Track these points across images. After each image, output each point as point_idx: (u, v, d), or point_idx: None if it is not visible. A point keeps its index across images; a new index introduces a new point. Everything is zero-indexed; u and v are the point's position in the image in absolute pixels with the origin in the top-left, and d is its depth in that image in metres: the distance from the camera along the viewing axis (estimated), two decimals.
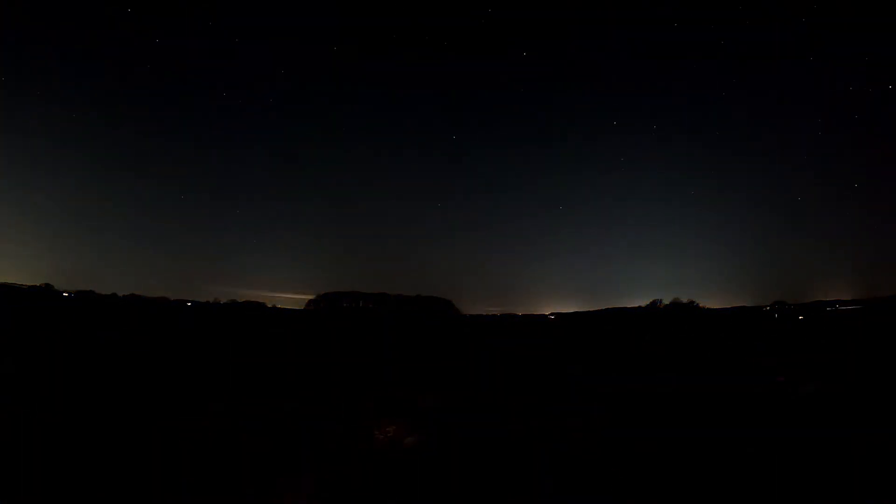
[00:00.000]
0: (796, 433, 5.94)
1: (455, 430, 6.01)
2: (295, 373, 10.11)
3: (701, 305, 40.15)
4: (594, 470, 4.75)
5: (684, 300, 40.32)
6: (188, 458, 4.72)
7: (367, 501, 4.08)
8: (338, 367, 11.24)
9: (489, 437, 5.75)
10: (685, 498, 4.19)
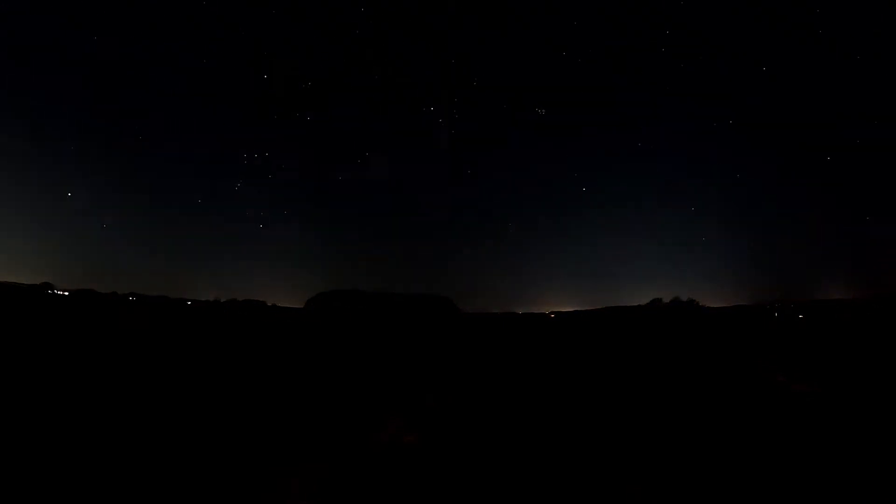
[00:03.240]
0: (796, 434, 5.95)
1: (455, 430, 6.01)
2: (295, 372, 10.11)
3: (701, 304, 40.00)
4: (593, 470, 4.75)
5: (684, 299, 40.13)
6: (188, 458, 4.72)
7: (367, 501, 4.08)
8: (338, 367, 11.24)
9: (489, 437, 5.75)
10: (685, 499, 4.19)
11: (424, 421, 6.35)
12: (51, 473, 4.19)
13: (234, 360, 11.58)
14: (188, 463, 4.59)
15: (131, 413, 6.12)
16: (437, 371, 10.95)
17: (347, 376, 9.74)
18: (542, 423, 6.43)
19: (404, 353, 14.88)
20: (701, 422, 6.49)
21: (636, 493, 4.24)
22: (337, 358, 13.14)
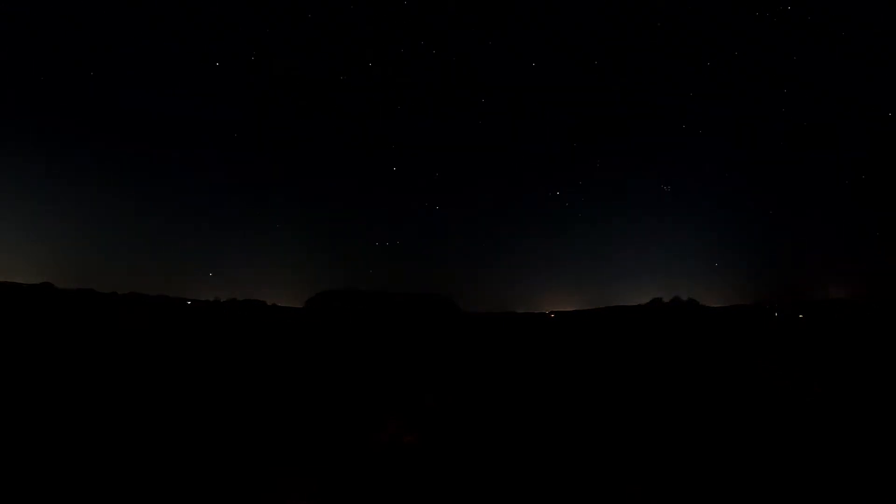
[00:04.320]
0: (796, 433, 5.94)
1: (454, 430, 6.01)
2: (295, 372, 10.11)
3: (701, 304, 39.92)
4: (593, 470, 4.74)
5: (684, 299, 40.05)
6: (189, 457, 4.72)
7: (367, 501, 4.08)
8: (338, 367, 11.24)
9: (489, 437, 5.75)
10: (685, 499, 4.19)
11: (424, 421, 6.35)
12: (52, 472, 4.19)
13: (235, 360, 11.58)
14: (189, 462, 4.59)
15: (132, 412, 6.12)
16: (437, 371, 10.95)
17: (347, 376, 9.74)
18: (542, 423, 6.43)
19: (404, 353, 14.88)
20: (701, 422, 6.49)
21: (636, 493, 4.24)
22: (337, 358, 13.14)
